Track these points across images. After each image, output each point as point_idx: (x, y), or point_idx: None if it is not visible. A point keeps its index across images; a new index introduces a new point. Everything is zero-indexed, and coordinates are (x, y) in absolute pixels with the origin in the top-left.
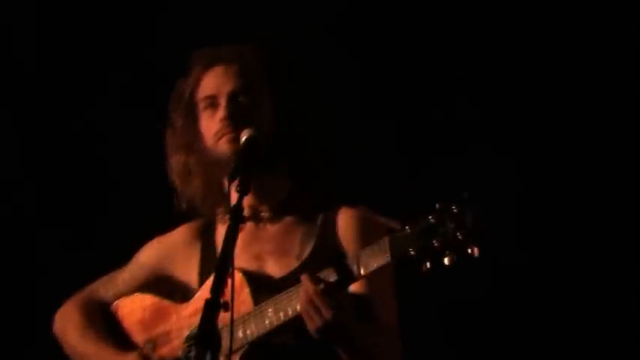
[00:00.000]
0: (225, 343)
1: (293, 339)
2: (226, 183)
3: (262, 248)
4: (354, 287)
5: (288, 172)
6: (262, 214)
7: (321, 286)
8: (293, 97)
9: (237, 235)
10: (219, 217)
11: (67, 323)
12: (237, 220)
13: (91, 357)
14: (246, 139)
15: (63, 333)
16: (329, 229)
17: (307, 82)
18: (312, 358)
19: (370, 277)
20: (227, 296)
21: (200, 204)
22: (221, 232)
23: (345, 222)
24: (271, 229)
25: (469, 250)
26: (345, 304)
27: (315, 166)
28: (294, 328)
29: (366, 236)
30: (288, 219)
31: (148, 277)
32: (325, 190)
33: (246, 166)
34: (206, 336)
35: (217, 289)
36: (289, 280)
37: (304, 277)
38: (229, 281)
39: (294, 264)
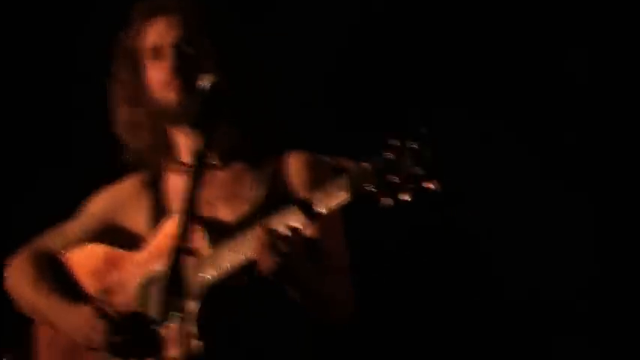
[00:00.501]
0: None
1: (247, 280)
2: (176, 132)
3: (213, 194)
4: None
5: (236, 120)
6: (212, 161)
7: (272, 229)
8: (234, 47)
9: (201, 179)
10: (168, 166)
11: (18, 277)
12: (201, 164)
13: (44, 310)
14: (209, 85)
15: (14, 287)
16: (279, 174)
17: (248, 31)
18: (265, 298)
19: (324, 225)
20: (189, 242)
21: (147, 155)
22: (171, 181)
23: (295, 166)
24: (221, 175)
25: (429, 185)
26: (296, 246)
27: (260, 113)
28: (248, 270)
29: (317, 179)
30: (237, 166)
31: (97, 227)
32: (272, 137)
33: (209, 112)
34: (173, 282)
35: (185, 234)
36: (242, 225)
37: (258, 224)
38: (192, 227)
39: (246, 208)
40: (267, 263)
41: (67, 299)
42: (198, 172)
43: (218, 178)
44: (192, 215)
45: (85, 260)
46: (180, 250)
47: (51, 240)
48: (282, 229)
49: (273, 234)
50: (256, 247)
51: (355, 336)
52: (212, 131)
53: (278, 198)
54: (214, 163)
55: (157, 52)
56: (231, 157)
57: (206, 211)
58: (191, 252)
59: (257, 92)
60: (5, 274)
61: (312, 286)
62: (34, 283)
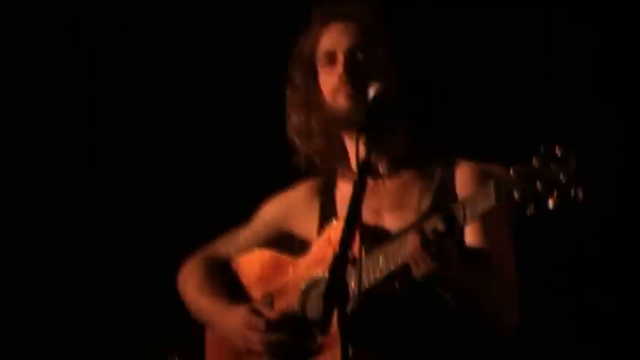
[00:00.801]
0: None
1: (401, 288)
2: (348, 139)
3: (380, 203)
4: (472, 240)
5: (406, 129)
6: (380, 169)
7: (424, 235)
8: (409, 54)
9: (365, 189)
10: (339, 174)
11: (188, 280)
12: (365, 174)
13: (205, 311)
14: (374, 93)
15: (183, 289)
16: (447, 184)
17: (426, 38)
18: (420, 304)
19: (487, 230)
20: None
21: (320, 161)
22: (341, 189)
23: (463, 176)
24: (389, 184)
25: (573, 194)
26: (448, 251)
27: (435, 122)
28: (403, 277)
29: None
30: (405, 175)
31: (269, 233)
32: (444, 145)
33: (374, 120)
34: (335, 289)
35: (347, 242)
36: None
37: (411, 227)
38: (356, 235)
39: (412, 219)
40: (420, 268)
41: (227, 301)
42: (363, 180)
43: (386, 187)
44: (354, 223)
45: (252, 265)
46: (339, 257)
47: (223, 245)
48: (430, 234)
49: (423, 239)
50: (409, 253)
51: (515, 347)
52: (380, 139)
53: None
54: (382, 171)
55: (330, 58)
56: (399, 165)
57: (371, 220)
58: (350, 259)
59: (430, 101)
60: (178, 276)
61: (469, 294)
62: (200, 286)
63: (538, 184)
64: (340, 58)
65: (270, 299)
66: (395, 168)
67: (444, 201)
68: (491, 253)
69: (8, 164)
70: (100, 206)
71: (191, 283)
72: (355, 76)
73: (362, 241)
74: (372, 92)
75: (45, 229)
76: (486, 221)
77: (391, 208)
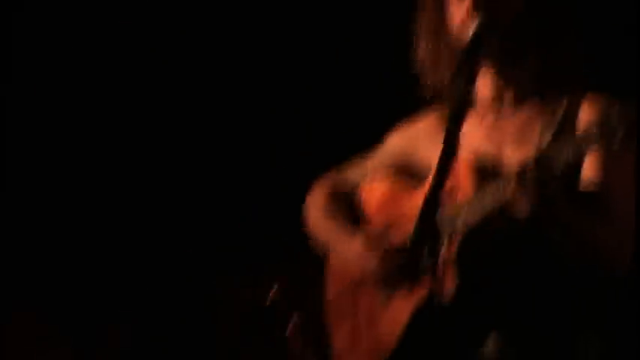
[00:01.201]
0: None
1: (507, 225)
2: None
3: (502, 138)
4: (591, 173)
5: (536, 59)
6: (504, 103)
7: (530, 173)
8: None
9: (462, 122)
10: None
11: (312, 206)
12: (462, 108)
13: (327, 239)
14: (475, 31)
15: (308, 215)
16: (570, 118)
17: None
18: (523, 244)
19: (609, 162)
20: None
21: (446, 92)
22: (468, 120)
23: (587, 114)
24: (512, 119)
25: None
26: (555, 193)
27: (567, 51)
28: (508, 215)
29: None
30: (530, 107)
31: (394, 163)
32: (575, 75)
33: (473, 57)
34: (424, 230)
35: (438, 185)
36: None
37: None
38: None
39: (532, 154)
40: (521, 209)
41: (348, 230)
42: (459, 113)
43: (509, 121)
44: (453, 152)
45: (373, 195)
46: (436, 188)
47: (351, 172)
48: (536, 175)
49: (527, 174)
50: (514, 189)
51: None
52: (504, 71)
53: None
54: (506, 103)
55: None
56: (527, 96)
57: (493, 155)
58: (450, 192)
59: (566, 27)
60: (305, 201)
61: (580, 231)
62: (323, 213)
63: None
64: None
65: (386, 229)
66: (520, 100)
67: (564, 137)
68: (608, 195)
69: None
70: None
71: (314, 209)
72: (484, 9)
73: (473, 174)
74: (472, 27)
75: None
76: (609, 153)
77: (513, 143)
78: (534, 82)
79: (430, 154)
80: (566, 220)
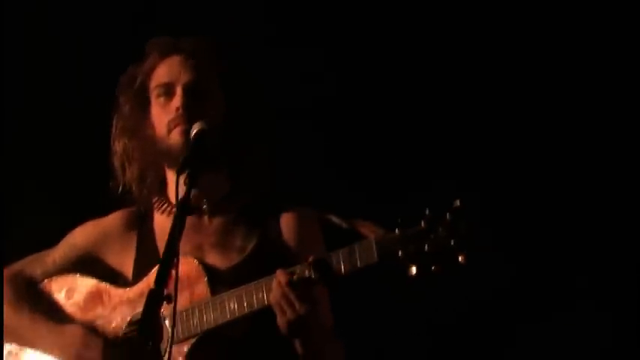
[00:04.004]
0: (174, 331)
1: (244, 332)
2: (171, 173)
3: (203, 240)
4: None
5: (230, 168)
6: (204, 207)
7: (295, 279)
8: (243, 96)
9: (184, 227)
10: (156, 206)
11: None
12: (184, 212)
13: (25, 330)
14: (196, 132)
15: None
16: (272, 227)
17: (257, 81)
18: (264, 352)
19: (325, 294)
20: (171, 288)
21: (137, 191)
22: (158, 221)
23: (289, 221)
24: (213, 222)
25: (459, 258)
26: (317, 300)
27: (258, 164)
28: (251, 321)
29: (311, 236)
30: (229, 214)
31: (79, 259)
32: (267, 189)
33: (196, 159)
34: (147, 326)
35: (162, 279)
36: (232, 274)
37: (279, 271)
38: (173, 273)
39: (236, 258)
40: (286, 315)
41: (50, 320)
42: (182, 217)
43: (210, 224)
44: (171, 261)
45: (70, 289)
46: (153, 294)
47: (29, 266)
48: (301, 281)
49: (292, 285)
50: (275, 297)
51: None
52: (204, 178)
53: (268, 250)
54: (204, 208)
55: (167, 90)
56: (223, 204)
57: (196, 256)
58: (170, 299)
59: (257, 141)
60: None
61: (318, 346)
62: (14, 303)
63: (426, 246)
64: (178, 91)
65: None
66: (219, 206)
67: (268, 244)
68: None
69: None
70: None
71: (2, 300)
72: (192, 113)
73: (208, 279)
74: (194, 130)
75: None
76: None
77: (215, 246)
78: (229, 191)
79: (119, 252)
80: (316, 327)
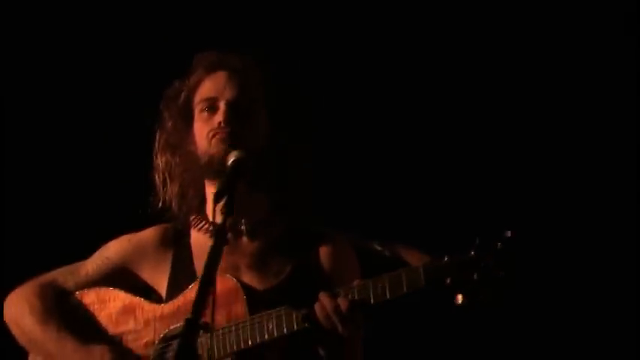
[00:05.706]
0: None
1: (281, 354)
2: (210, 189)
3: (240, 260)
4: None
5: (270, 190)
6: (241, 227)
7: (340, 302)
8: (287, 118)
9: (221, 255)
10: (194, 223)
11: (24, 308)
12: (221, 240)
13: (51, 345)
14: (234, 160)
15: (18, 318)
16: (310, 253)
17: (303, 103)
18: None
19: None
20: (207, 316)
21: (176, 208)
22: (195, 239)
23: (327, 247)
24: (249, 243)
25: (506, 290)
26: (360, 324)
27: (299, 187)
28: (288, 343)
29: (348, 263)
30: (268, 237)
31: (112, 272)
32: (307, 213)
33: (232, 186)
34: (184, 356)
35: (198, 308)
36: (269, 296)
37: (322, 293)
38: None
39: (273, 281)
40: (327, 338)
41: (76, 339)
42: (219, 245)
43: (247, 245)
44: (208, 288)
45: (103, 302)
46: (190, 322)
47: (62, 276)
48: (343, 307)
49: (334, 310)
50: (321, 318)
51: None
52: (243, 198)
53: (304, 274)
54: (242, 229)
55: (211, 105)
56: (263, 226)
57: (232, 276)
58: (207, 328)
59: (299, 164)
60: (6, 305)
61: None
62: (42, 315)
63: (475, 275)
64: (221, 106)
65: (119, 340)
66: (256, 228)
67: (304, 269)
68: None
69: None
70: None
71: (29, 312)
72: (234, 127)
73: (247, 299)
74: (232, 158)
75: None
76: None
77: (250, 267)
78: (269, 213)
79: (154, 267)
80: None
